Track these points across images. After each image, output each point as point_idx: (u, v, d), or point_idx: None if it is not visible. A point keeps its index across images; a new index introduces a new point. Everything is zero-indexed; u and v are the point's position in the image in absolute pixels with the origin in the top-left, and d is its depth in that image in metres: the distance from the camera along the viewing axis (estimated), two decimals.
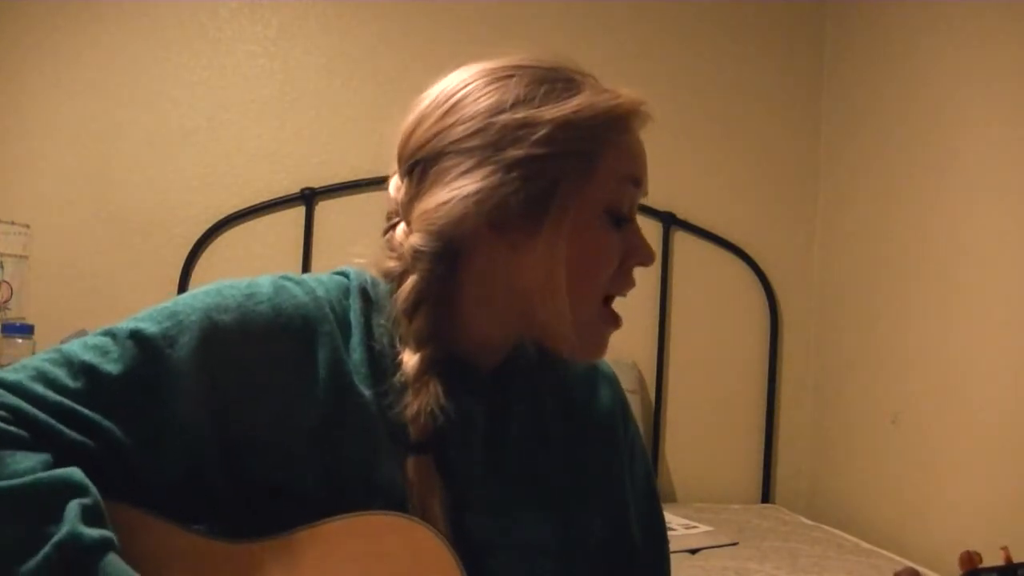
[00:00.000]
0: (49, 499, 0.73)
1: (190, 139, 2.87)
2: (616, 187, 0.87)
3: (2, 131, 2.81)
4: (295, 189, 2.89)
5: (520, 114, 0.84)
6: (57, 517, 0.72)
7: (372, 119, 2.87)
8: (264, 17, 2.92)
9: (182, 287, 2.80)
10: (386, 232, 0.91)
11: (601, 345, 0.90)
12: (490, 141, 0.84)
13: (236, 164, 2.89)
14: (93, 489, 0.75)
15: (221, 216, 2.86)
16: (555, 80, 0.87)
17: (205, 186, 2.87)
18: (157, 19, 2.86)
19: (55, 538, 0.71)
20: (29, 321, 2.64)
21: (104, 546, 0.73)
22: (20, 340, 2.53)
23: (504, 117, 0.84)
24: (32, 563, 0.71)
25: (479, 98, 0.86)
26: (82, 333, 2.41)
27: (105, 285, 2.79)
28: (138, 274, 2.81)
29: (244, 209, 2.87)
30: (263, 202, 2.88)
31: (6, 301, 2.71)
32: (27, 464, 0.74)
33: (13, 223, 2.74)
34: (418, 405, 0.83)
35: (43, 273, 2.78)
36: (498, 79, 0.87)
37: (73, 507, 0.73)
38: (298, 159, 2.91)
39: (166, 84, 2.86)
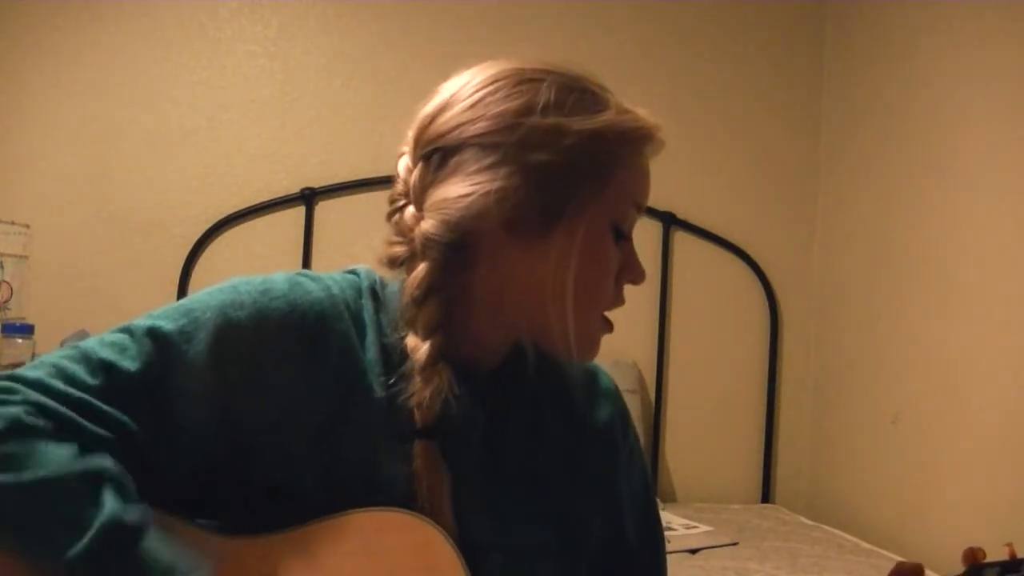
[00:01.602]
0: (87, 485, 0.74)
1: (190, 139, 2.87)
2: (623, 206, 0.89)
3: (2, 131, 2.81)
4: (295, 189, 2.89)
5: (549, 120, 0.85)
6: (96, 502, 0.74)
7: (372, 119, 2.87)
8: (264, 17, 2.92)
9: (182, 287, 2.81)
10: (391, 215, 0.91)
11: (595, 349, 0.92)
12: (515, 141, 0.84)
13: (236, 164, 2.89)
14: (125, 473, 0.77)
15: (221, 216, 2.86)
16: (583, 91, 0.88)
17: (205, 186, 2.87)
18: (157, 19, 2.86)
19: (98, 521, 0.73)
20: (29, 321, 2.64)
21: (144, 527, 0.75)
22: (20, 340, 2.53)
23: (533, 120, 0.85)
24: (79, 546, 0.72)
25: (509, 96, 0.86)
26: (82, 333, 2.42)
27: (105, 285, 2.79)
28: (138, 274, 2.81)
29: (244, 209, 2.87)
30: (263, 202, 2.88)
31: (6, 301, 2.71)
32: (59, 453, 0.75)
33: (13, 223, 2.74)
34: (429, 392, 0.83)
35: (43, 273, 2.78)
36: (528, 80, 0.87)
37: (110, 491, 0.75)
38: (298, 159, 2.91)
39: (166, 84, 2.87)
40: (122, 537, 0.73)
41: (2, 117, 2.81)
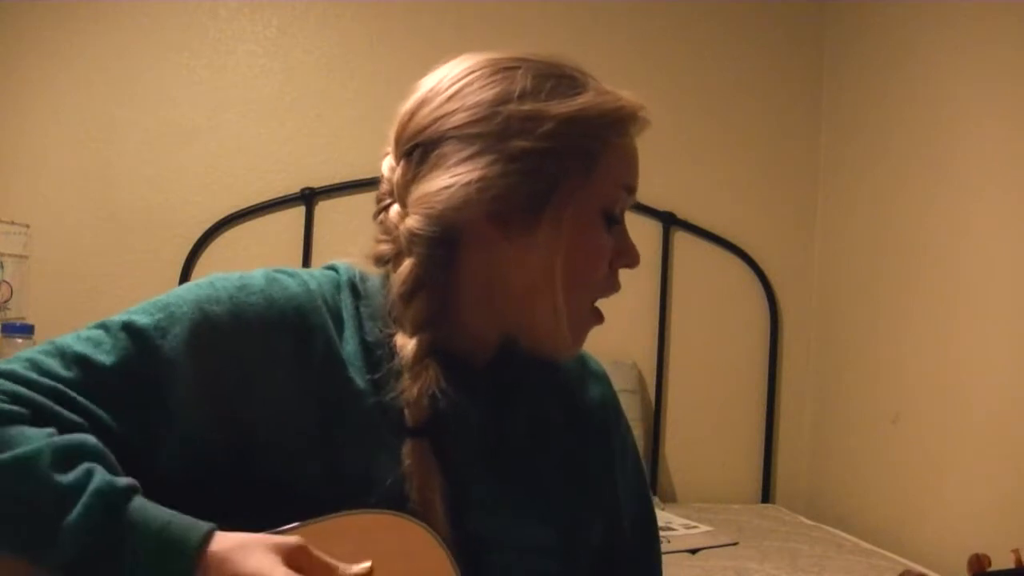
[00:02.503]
0: (69, 459, 0.73)
1: (190, 139, 2.87)
2: (611, 190, 0.87)
3: (2, 131, 2.81)
4: (295, 189, 2.89)
5: (526, 106, 0.84)
6: (82, 473, 0.73)
7: (372, 119, 2.87)
8: (264, 17, 2.92)
9: None
10: (377, 215, 0.90)
11: (581, 341, 0.91)
12: (494, 130, 0.84)
13: (236, 164, 2.89)
14: (106, 451, 0.76)
15: (221, 216, 2.86)
16: (560, 76, 0.87)
17: (205, 186, 2.87)
18: (157, 19, 2.87)
19: (90, 488, 0.72)
20: (29, 321, 2.64)
21: (133, 490, 0.74)
22: (20, 340, 2.52)
23: (510, 107, 0.84)
24: (74, 514, 0.72)
25: (485, 86, 0.86)
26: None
27: (105, 285, 2.79)
28: (138, 274, 2.81)
29: (244, 209, 2.87)
30: (263, 202, 2.88)
31: (6, 301, 2.70)
32: (37, 433, 0.74)
33: (13, 223, 2.74)
34: (417, 389, 0.82)
35: (43, 273, 2.78)
36: (504, 69, 0.87)
37: (95, 463, 0.74)
38: (298, 159, 2.91)
39: (166, 84, 2.87)
40: (114, 500, 0.73)
41: (2, 117, 2.81)
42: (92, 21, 2.84)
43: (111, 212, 2.83)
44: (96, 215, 2.82)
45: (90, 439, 0.76)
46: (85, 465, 0.74)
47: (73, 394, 0.78)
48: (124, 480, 0.74)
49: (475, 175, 0.83)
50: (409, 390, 0.83)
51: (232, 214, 2.86)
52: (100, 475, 0.73)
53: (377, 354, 0.86)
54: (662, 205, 2.96)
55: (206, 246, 2.86)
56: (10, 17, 2.80)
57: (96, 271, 2.81)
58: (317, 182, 2.89)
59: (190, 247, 2.84)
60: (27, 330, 2.56)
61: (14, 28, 2.80)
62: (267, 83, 2.91)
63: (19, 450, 0.73)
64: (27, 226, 2.76)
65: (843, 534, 2.52)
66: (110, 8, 2.85)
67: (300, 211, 2.89)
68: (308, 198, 2.88)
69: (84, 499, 0.72)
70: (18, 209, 2.76)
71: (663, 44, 3.06)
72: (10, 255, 2.72)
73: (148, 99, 2.85)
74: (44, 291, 2.77)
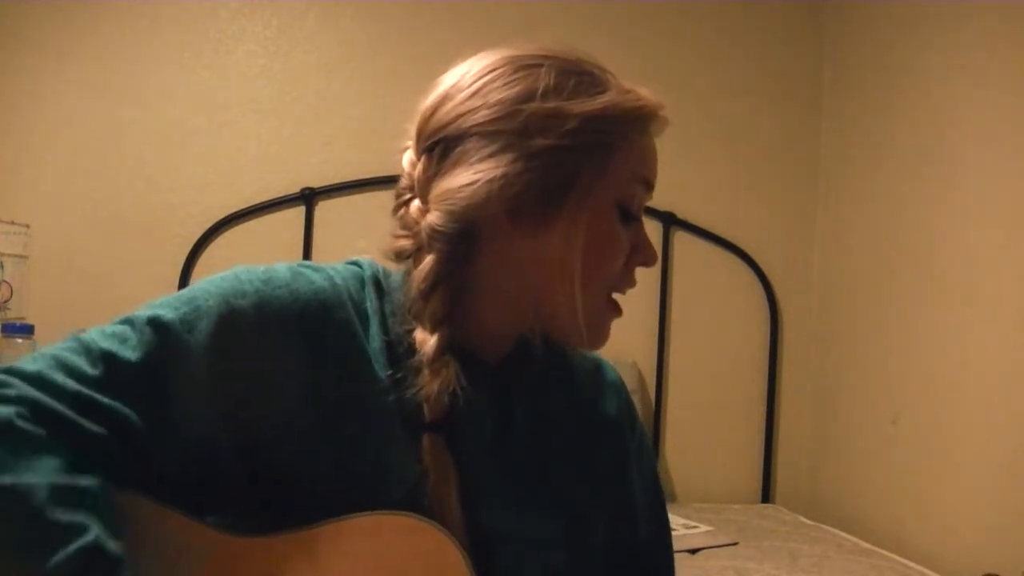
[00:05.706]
0: (68, 502, 0.72)
1: (190, 139, 2.87)
2: (629, 186, 0.88)
3: (2, 131, 2.81)
4: (295, 189, 2.89)
5: (549, 104, 0.85)
6: (75, 522, 0.71)
7: (372, 119, 2.87)
8: (264, 17, 2.92)
9: (182, 287, 2.80)
10: (397, 209, 0.90)
11: (605, 334, 0.91)
12: (517, 128, 0.84)
13: (236, 164, 2.89)
14: (110, 500, 0.74)
15: (221, 216, 2.86)
16: (582, 73, 0.88)
17: (205, 186, 2.88)
18: (157, 19, 2.87)
19: (78, 542, 0.70)
20: (29, 321, 2.64)
21: (123, 562, 0.72)
22: (20, 340, 2.52)
23: (532, 105, 0.85)
24: (53, 562, 0.69)
25: (508, 83, 0.86)
26: (81, 332, 2.42)
27: (105, 285, 2.79)
28: (138, 274, 2.81)
29: (244, 209, 2.87)
30: (263, 202, 2.88)
31: (6, 301, 2.71)
32: (45, 463, 0.72)
33: (13, 223, 2.74)
34: (437, 385, 0.83)
35: (43, 273, 2.78)
36: (526, 67, 0.87)
37: (94, 516, 0.72)
38: (298, 159, 2.91)
39: (166, 84, 2.87)
40: (100, 566, 0.71)
41: (2, 117, 2.81)
42: (92, 21, 2.84)
43: (111, 212, 2.83)
44: (96, 215, 2.82)
45: (97, 486, 0.74)
46: (82, 515, 0.71)
47: (99, 397, 0.77)
48: (113, 546, 0.72)
49: (497, 172, 0.83)
50: (429, 386, 0.83)
51: (232, 214, 2.86)
52: (93, 533, 0.71)
53: (398, 350, 0.86)
54: (662, 205, 2.96)
55: (206, 246, 2.86)
56: (10, 17, 2.80)
57: (96, 271, 2.81)
58: (317, 182, 2.89)
59: (190, 247, 2.84)
60: (27, 330, 2.56)
61: (14, 28, 2.80)
62: (267, 83, 2.91)
63: (18, 479, 0.71)
64: (27, 226, 2.76)
65: (843, 534, 2.52)
66: (110, 9, 2.85)
67: (300, 211, 2.89)
68: (308, 198, 2.88)
69: (68, 551, 0.70)
70: (18, 209, 2.77)
71: (663, 44, 3.06)
72: (10, 255, 2.72)
73: (148, 99, 2.86)
74: (44, 291, 2.77)
